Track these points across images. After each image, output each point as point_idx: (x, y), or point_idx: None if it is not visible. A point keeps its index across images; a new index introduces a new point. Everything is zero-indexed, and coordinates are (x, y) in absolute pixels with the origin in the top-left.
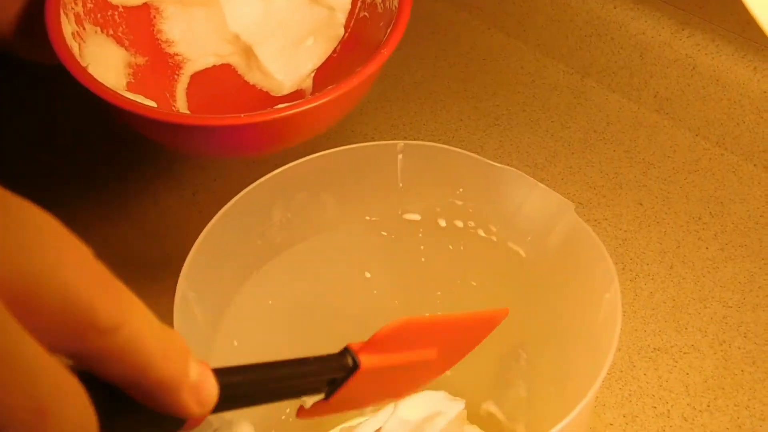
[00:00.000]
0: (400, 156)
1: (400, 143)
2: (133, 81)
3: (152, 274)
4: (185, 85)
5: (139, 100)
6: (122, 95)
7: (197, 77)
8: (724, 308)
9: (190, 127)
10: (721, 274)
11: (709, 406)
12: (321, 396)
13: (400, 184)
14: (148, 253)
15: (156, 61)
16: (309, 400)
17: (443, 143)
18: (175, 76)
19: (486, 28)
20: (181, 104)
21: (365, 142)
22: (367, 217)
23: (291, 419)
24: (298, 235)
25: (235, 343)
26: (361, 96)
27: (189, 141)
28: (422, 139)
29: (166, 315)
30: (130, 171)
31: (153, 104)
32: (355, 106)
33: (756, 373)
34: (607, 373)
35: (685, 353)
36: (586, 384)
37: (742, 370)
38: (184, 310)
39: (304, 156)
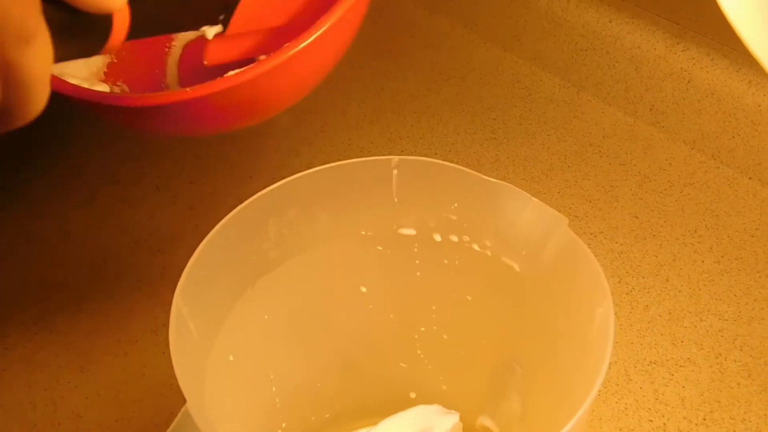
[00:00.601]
0: (395, 171)
1: (395, 159)
2: (115, 61)
3: (148, 288)
4: (177, 58)
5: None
6: (64, 81)
7: (190, 47)
8: (720, 321)
9: (132, 108)
10: (717, 287)
11: (705, 419)
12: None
13: (395, 199)
14: (144, 268)
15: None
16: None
17: (439, 157)
18: (166, 49)
19: (482, 41)
20: (171, 78)
21: (362, 155)
22: (363, 232)
23: None
24: (293, 250)
25: (231, 358)
26: (336, 46)
27: (146, 122)
28: (419, 153)
29: (161, 329)
30: (127, 186)
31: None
32: (337, 56)
33: (752, 386)
34: (603, 387)
35: (681, 366)
36: (580, 397)
37: (738, 383)
38: (180, 326)
39: (299, 170)
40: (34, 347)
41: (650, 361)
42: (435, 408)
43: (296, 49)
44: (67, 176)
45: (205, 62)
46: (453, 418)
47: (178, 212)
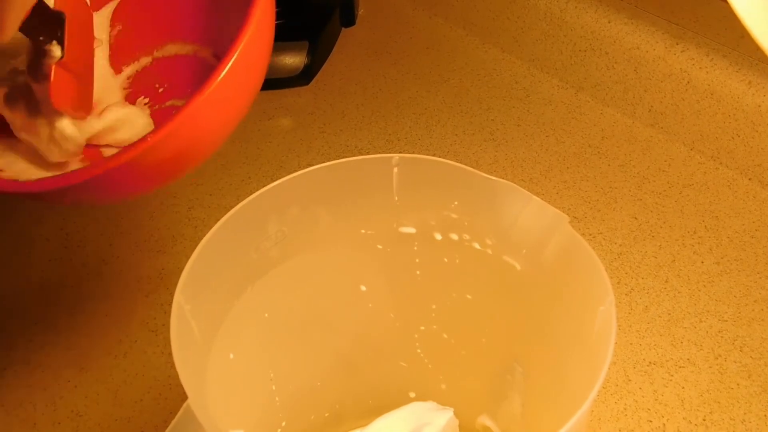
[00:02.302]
0: (395, 169)
1: (396, 156)
2: None
3: (148, 288)
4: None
5: None
6: None
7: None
8: (719, 322)
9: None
10: (717, 288)
11: (704, 420)
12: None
13: (396, 198)
14: (143, 269)
15: None
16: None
17: (438, 158)
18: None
19: (480, 43)
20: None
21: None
22: (363, 231)
23: None
24: (293, 248)
25: (232, 356)
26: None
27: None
28: (417, 154)
29: (161, 329)
30: None
31: None
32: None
33: (751, 387)
34: (603, 387)
35: (680, 367)
36: (580, 397)
37: (737, 384)
38: (181, 324)
39: (299, 170)
40: (35, 347)
41: (650, 362)
42: (429, 404)
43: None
44: None
45: (54, 106)
46: (447, 414)
47: (177, 213)
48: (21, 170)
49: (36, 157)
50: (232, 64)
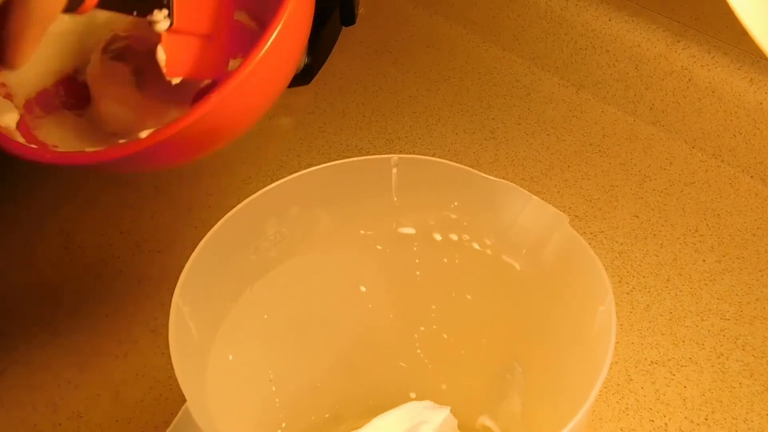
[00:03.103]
0: (394, 170)
1: (395, 157)
2: None
3: (148, 289)
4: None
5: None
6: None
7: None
8: (721, 321)
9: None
10: (719, 287)
11: (706, 419)
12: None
13: (395, 198)
14: (143, 269)
15: None
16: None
17: (439, 157)
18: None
19: (481, 41)
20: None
21: (360, 156)
22: (362, 231)
23: None
24: (292, 249)
25: (231, 357)
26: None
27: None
28: (417, 153)
29: (161, 330)
30: (127, 188)
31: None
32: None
33: (754, 386)
34: (604, 387)
35: (682, 366)
36: (581, 397)
37: (739, 383)
38: (180, 325)
39: (299, 171)
40: (35, 348)
41: (651, 361)
42: (426, 403)
43: (260, 54)
44: (70, 180)
45: (167, 77)
46: (444, 412)
47: (177, 214)
48: (73, 146)
49: (84, 132)
50: (281, 26)
